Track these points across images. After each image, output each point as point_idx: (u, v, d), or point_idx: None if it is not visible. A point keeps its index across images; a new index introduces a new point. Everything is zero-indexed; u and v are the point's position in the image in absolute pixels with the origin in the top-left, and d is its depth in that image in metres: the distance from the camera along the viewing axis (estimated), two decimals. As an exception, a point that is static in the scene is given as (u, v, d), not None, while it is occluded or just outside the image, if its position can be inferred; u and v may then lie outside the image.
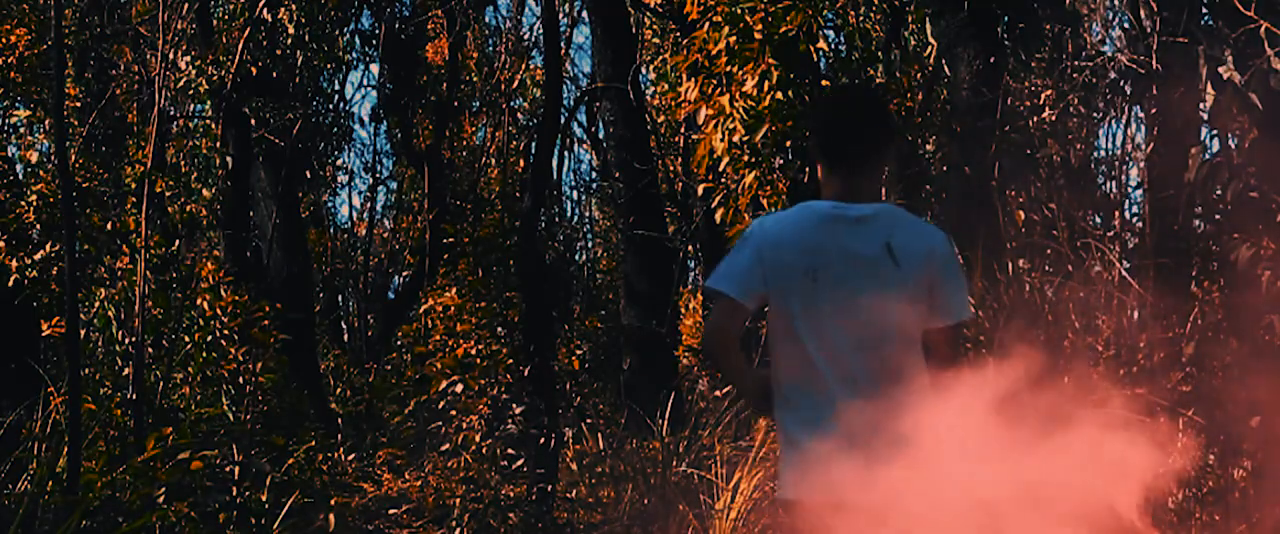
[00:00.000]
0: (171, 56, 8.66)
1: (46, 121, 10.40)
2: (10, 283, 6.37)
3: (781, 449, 2.92)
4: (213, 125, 9.35)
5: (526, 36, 15.57)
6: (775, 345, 2.92)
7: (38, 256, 6.59)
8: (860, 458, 2.66)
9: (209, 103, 9.38)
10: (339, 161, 16.55)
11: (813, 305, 2.84)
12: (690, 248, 12.20)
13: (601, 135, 14.75)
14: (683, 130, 11.97)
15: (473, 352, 6.76)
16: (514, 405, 6.71)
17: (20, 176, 8.66)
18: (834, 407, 2.77)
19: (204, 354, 6.47)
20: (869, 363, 2.82)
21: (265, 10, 8.94)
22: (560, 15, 13.33)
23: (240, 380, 6.53)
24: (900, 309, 2.82)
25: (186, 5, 9.34)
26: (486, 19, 15.31)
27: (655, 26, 13.78)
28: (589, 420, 8.11)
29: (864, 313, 2.79)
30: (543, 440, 6.70)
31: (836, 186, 2.94)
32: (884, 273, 2.83)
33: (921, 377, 2.85)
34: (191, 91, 9.18)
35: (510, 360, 6.89)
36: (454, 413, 6.59)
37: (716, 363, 3.02)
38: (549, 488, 6.73)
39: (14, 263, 6.44)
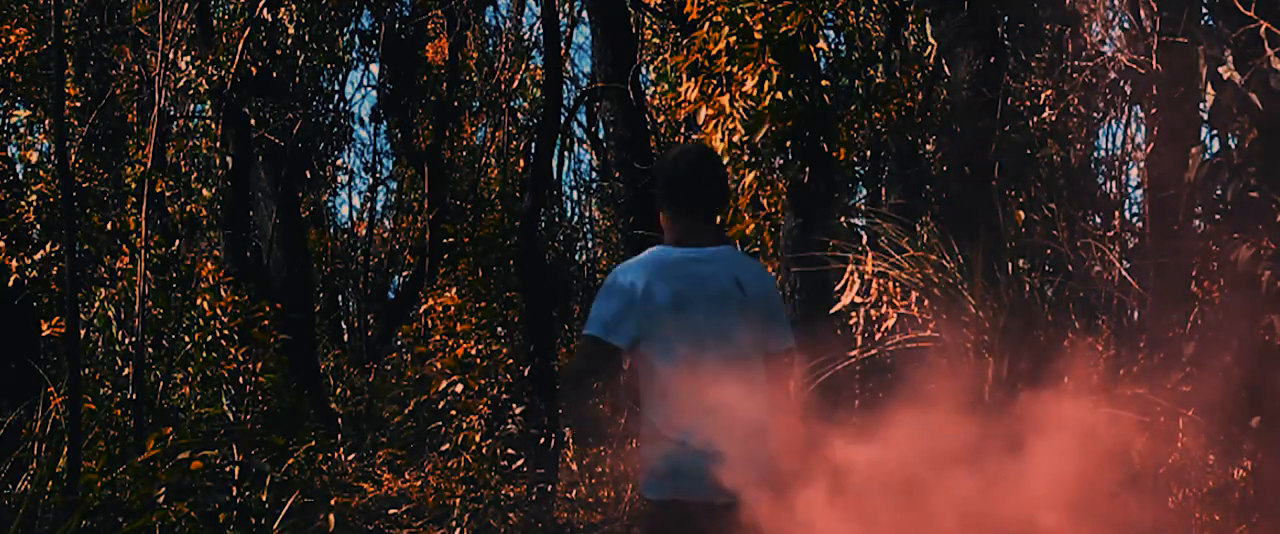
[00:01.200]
0: (171, 56, 8.66)
1: (46, 121, 10.40)
2: (10, 283, 6.37)
3: (651, 454, 3.27)
4: (213, 125, 9.35)
5: (526, 36, 15.57)
6: (648, 373, 3.27)
7: (38, 257, 6.59)
8: (729, 461, 3.09)
9: (209, 103, 9.38)
10: (339, 161, 16.55)
11: (682, 335, 3.22)
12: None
13: (601, 135, 14.75)
14: (683, 130, 11.96)
15: (473, 352, 6.77)
16: (514, 405, 6.71)
17: (20, 176, 8.66)
18: (704, 415, 3.12)
19: (204, 354, 6.47)
20: (733, 374, 3.17)
21: (265, 10, 8.94)
22: (560, 15, 13.33)
23: (240, 380, 6.53)
24: (753, 332, 3.29)
25: (186, 5, 9.34)
26: (486, 19, 15.31)
27: (655, 26, 13.78)
28: (589, 420, 8.09)
29: (726, 336, 3.23)
30: (543, 440, 6.70)
31: (679, 232, 3.36)
32: (736, 302, 3.28)
33: (761, 387, 3.28)
34: (191, 91, 9.18)
35: (510, 360, 6.89)
36: (454, 413, 6.59)
37: (574, 399, 3.36)
38: (549, 488, 6.73)
39: (14, 263, 6.44)
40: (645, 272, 3.28)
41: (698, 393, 3.13)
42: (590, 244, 17.91)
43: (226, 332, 6.51)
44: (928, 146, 8.62)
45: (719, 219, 3.48)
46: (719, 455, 3.10)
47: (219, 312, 6.50)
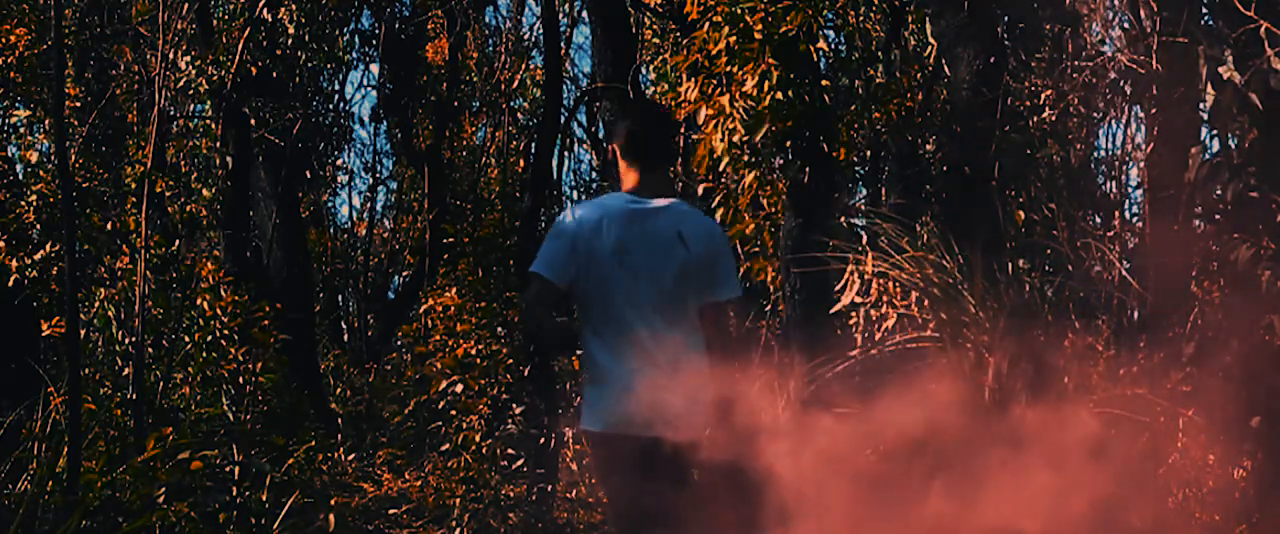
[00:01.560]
0: (171, 56, 8.66)
1: (46, 121, 10.40)
2: (10, 283, 6.36)
3: (592, 391, 3.51)
4: (213, 125, 9.34)
5: (526, 36, 15.57)
6: (587, 313, 3.54)
7: (38, 257, 6.59)
8: (662, 396, 3.36)
9: (209, 103, 9.38)
10: (339, 161, 16.55)
11: (621, 279, 3.48)
12: (690, 248, 12.18)
13: (601, 135, 14.76)
14: (683, 130, 11.96)
15: (473, 352, 6.76)
16: (514, 405, 6.71)
17: (20, 176, 8.66)
18: (643, 357, 3.42)
19: (204, 354, 6.47)
20: (667, 322, 3.47)
21: (265, 10, 8.94)
22: (560, 15, 13.33)
23: (240, 380, 6.53)
24: (692, 283, 3.51)
25: (186, 5, 9.34)
26: (486, 19, 15.31)
27: (655, 26, 13.78)
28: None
29: (662, 282, 3.48)
30: (543, 440, 6.70)
31: (634, 181, 3.63)
32: (678, 254, 3.50)
33: (698, 334, 3.52)
34: (191, 91, 9.17)
35: (510, 360, 6.89)
36: (454, 413, 6.59)
37: (538, 326, 3.58)
38: (549, 488, 6.73)
39: (14, 263, 6.44)
40: (593, 216, 3.54)
41: (632, 337, 3.44)
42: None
43: (226, 332, 6.50)
44: (928, 146, 8.62)
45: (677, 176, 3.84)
46: (651, 396, 3.35)
47: (219, 312, 6.49)
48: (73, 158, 10.05)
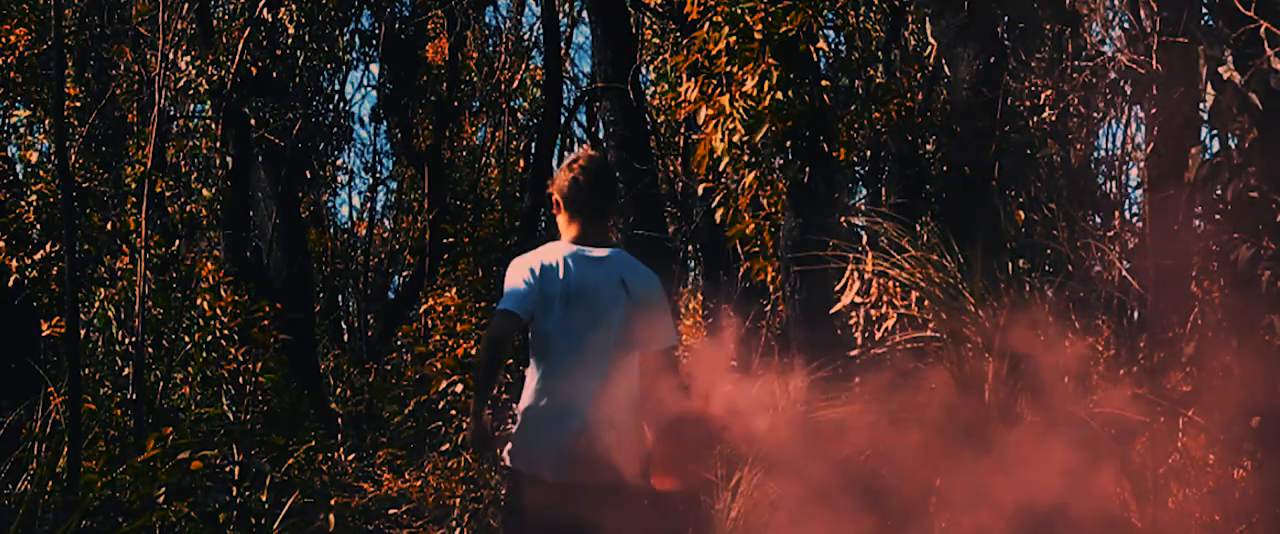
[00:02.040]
0: (171, 56, 8.66)
1: (46, 121, 10.40)
2: (10, 283, 6.36)
3: (530, 427, 3.67)
4: (213, 125, 9.34)
5: (526, 36, 15.58)
6: (537, 352, 3.70)
7: (38, 257, 6.59)
8: (602, 441, 3.54)
9: (209, 103, 9.38)
10: (339, 161, 16.55)
11: (568, 325, 3.63)
12: (690, 248, 12.20)
13: (601, 135, 14.74)
14: (683, 130, 11.97)
15: (473, 352, 6.76)
16: (514, 405, 6.71)
17: (20, 176, 8.66)
18: (587, 398, 3.58)
19: (204, 354, 6.47)
20: (611, 367, 3.62)
21: (265, 10, 8.94)
22: (560, 15, 13.33)
23: (240, 380, 6.53)
24: (634, 329, 3.66)
25: (186, 5, 9.34)
26: (486, 19, 15.31)
27: (655, 26, 13.78)
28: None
29: (606, 328, 3.62)
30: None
31: (577, 232, 3.79)
32: (622, 301, 3.67)
33: (636, 380, 3.69)
34: (191, 91, 9.18)
35: (510, 360, 6.88)
36: (454, 413, 6.59)
37: (490, 359, 3.70)
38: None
39: (14, 263, 6.44)
40: (545, 262, 3.70)
41: (575, 379, 3.59)
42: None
43: (226, 332, 6.50)
44: (928, 146, 8.62)
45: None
46: (588, 438, 3.54)
47: (219, 312, 6.49)
48: (73, 158, 10.05)
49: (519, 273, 3.67)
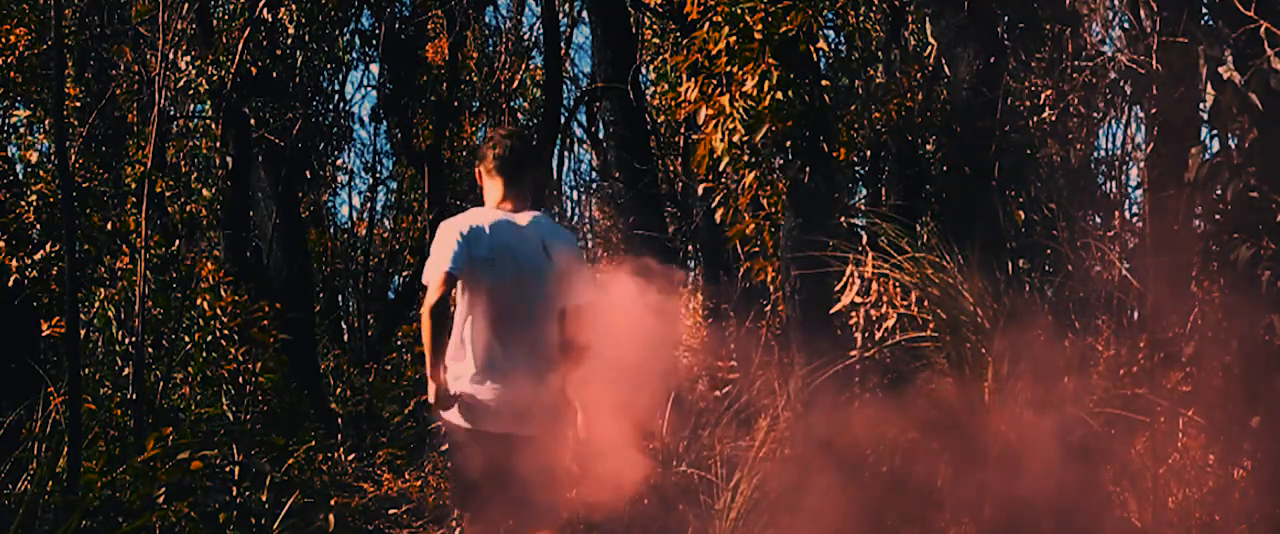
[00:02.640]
0: (171, 56, 8.66)
1: (46, 121, 10.39)
2: (10, 283, 6.36)
3: (455, 384, 3.96)
4: (213, 125, 9.34)
5: (526, 36, 15.57)
6: (464, 311, 4.01)
7: (38, 257, 6.58)
8: (524, 394, 3.86)
9: (209, 103, 9.37)
10: (339, 161, 16.54)
11: (494, 283, 3.95)
12: (690, 248, 12.19)
13: (601, 135, 14.76)
14: (683, 130, 11.96)
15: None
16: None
17: (20, 176, 8.65)
18: (508, 355, 3.91)
19: (204, 354, 6.47)
20: (531, 323, 3.95)
21: (265, 10, 8.94)
22: (560, 15, 13.33)
23: (240, 380, 6.53)
24: (551, 288, 3.98)
25: (186, 5, 9.33)
26: (486, 19, 15.30)
27: (655, 26, 13.77)
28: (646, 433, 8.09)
29: (529, 288, 3.95)
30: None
31: (501, 198, 4.15)
32: (540, 262, 4.00)
33: (556, 335, 3.98)
34: (191, 91, 9.17)
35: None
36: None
37: (435, 324, 3.93)
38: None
39: (14, 263, 6.44)
40: (472, 226, 4.01)
41: (499, 336, 3.91)
42: (590, 244, 17.92)
43: (226, 332, 6.50)
44: (928, 146, 8.61)
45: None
46: (507, 393, 3.87)
47: (219, 312, 6.49)
48: (73, 158, 10.05)
49: (448, 236, 3.97)
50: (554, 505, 3.99)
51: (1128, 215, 5.70)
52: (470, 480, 3.95)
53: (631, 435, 4.06)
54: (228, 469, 5.37)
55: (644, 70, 13.24)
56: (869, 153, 9.18)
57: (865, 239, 5.28)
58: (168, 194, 8.51)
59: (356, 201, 33.41)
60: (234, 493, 5.20)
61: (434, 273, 3.90)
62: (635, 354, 3.98)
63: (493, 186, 4.19)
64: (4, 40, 9.74)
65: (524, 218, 4.07)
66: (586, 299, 4.05)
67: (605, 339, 3.94)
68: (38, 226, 7.53)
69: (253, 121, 9.35)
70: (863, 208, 8.66)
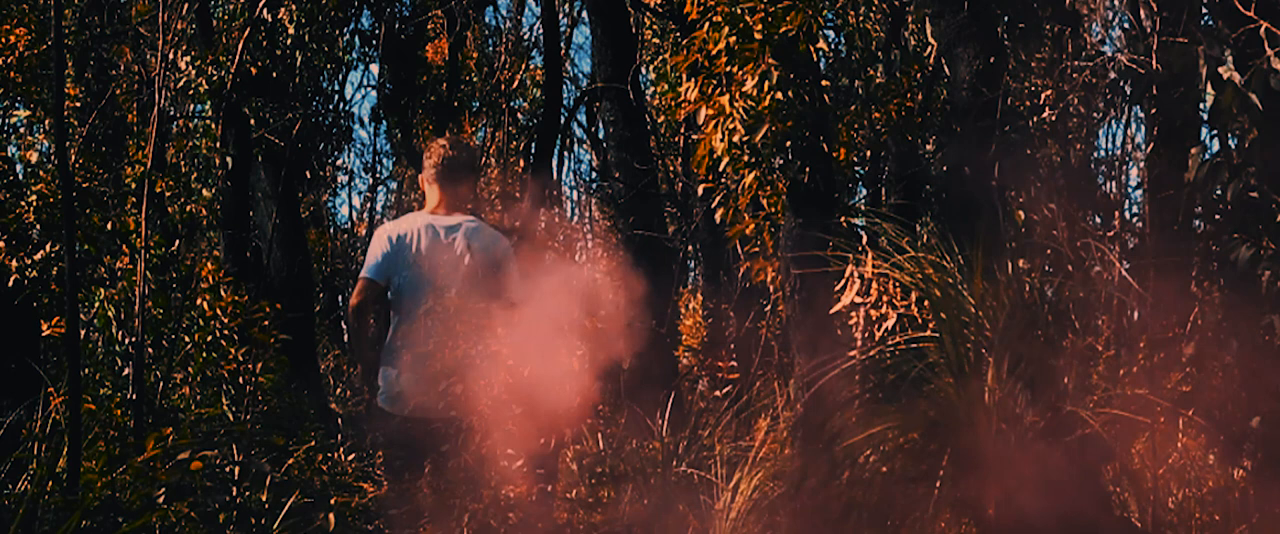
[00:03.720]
0: (171, 56, 8.66)
1: (46, 121, 10.39)
2: (10, 283, 6.36)
3: (388, 373, 4.49)
4: (213, 125, 9.33)
5: (526, 36, 15.57)
6: (394, 307, 4.49)
7: (38, 257, 6.58)
8: (444, 382, 4.21)
9: (209, 103, 9.37)
10: (339, 161, 16.54)
11: (419, 283, 4.35)
12: (690, 248, 12.19)
13: (601, 135, 14.76)
14: (683, 130, 11.96)
15: (472, 351, 6.74)
16: (514, 405, 6.69)
17: (20, 176, 8.65)
18: (433, 346, 4.24)
19: (204, 354, 6.46)
20: (455, 319, 4.23)
21: (265, 10, 8.94)
22: (560, 15, 13.33)
23: (240, 380, 6.52)
24: (478, 286, 4.35)
25: (186, 5, 9.34)
26: (486, 19, 15.30)
27: (655, 26, 13.77)
28: (589, 420, 8.11)
29: (450, 286, 4.30)
30: (542, 440, 6.69)
31: (436, 203, 4.57)
32: (462, 261, 4.38)
33: (478, 330, 4.25)
34: (191, 91, 9.16)
35: (510, 360, 6.87)
36: (454, 413, 6.57)
37: (358, 322, 4.57)
38: (549, 488, 6.72)
39: (14, 263, 6.43)
40: (401, 230, 4.44)
41: (424, 330, 4.27)
42: (590, 244, 17.91)
43: (226, 332, 6.49)
44: (928, 146, 8.62)
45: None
46: (430, 382, 4.23)
47: (219, 312, 6.49)
48: (73, 158, 10.04)
49: (379, 243, 4.46)
50: (473, 482, 4.47)
51: (1128, 215, 5.70)
52: (396, 463, 4.49)
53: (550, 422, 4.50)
54: (228, 469, 5.36)
55: (644, 70, 13.25)
56: (869, 153, 9.18)
57: (865, 239, 5.28)
58: (168, 194, 8.51)
59: (356, 201, 33.43)
60: (234, 493, 5.20)
61: (360, 279, 4.44)
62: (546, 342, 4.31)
63: (431, 193, 4.62)
64: (4, 40, 9.73)
65: (454, 220, 4.49)
66: (512, 297, 4.45)
67: (527, 326, 4.27)
68: (38, 226, 7.52)
69: (253, 121, 9.35)
70: (863, 208, 8.66)
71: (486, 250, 4.46)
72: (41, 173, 8.03)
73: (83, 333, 6.56)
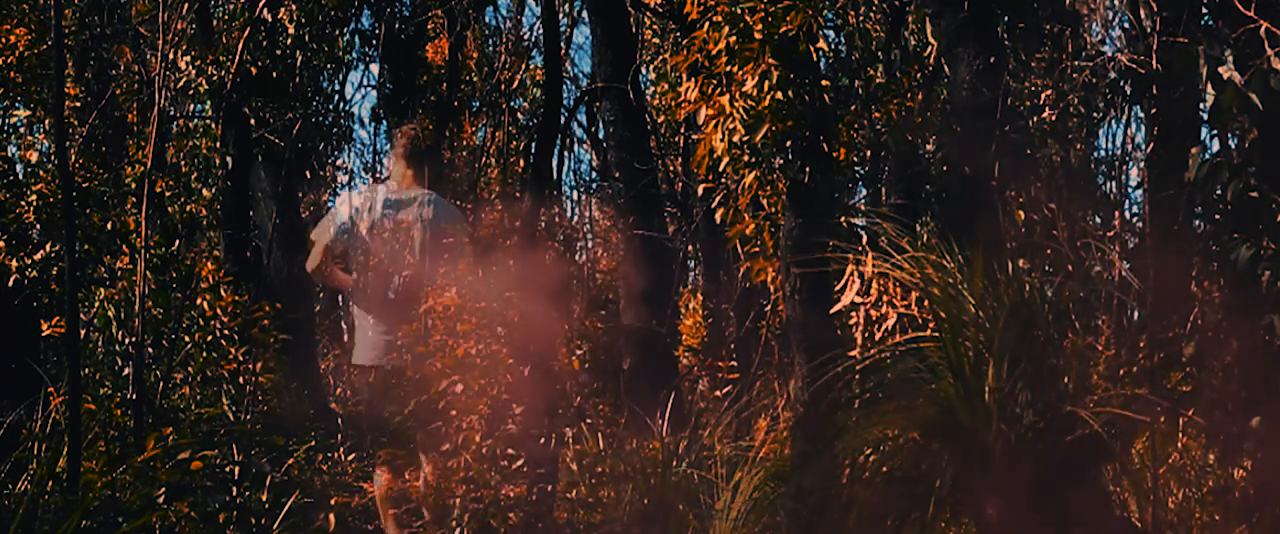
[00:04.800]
0: (171, 56, 8.66)
1: (46, 121, 10.38)
2: (10, 283, 6.36)
3: (357, 335, 5.41)
4: (213, 125, 9.34)
5: (526, 36, 15.56)
6: (355, 276, 5.18)
7: (38, 257, 6.58)
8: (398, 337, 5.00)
9: (209, 103, 9.37)
10: (339, 161, 16.53)
11: (376, 252, 5.03)
12: (690, 248, 12.19)
13: (601, 135, 14.75)
14: (683, 130, 11.96)
15: (473, 352, 6.75)
16: (514, 405, 6.70)
17: (20, 176, 8.65)
18: (391, 306, 5.09)
19: (204, 354, 6.46)
20: (407, 288, 5.03)
21: (265, 10, 8.94)
22: (560, 15, 13.32)
23: (240, 380, 6.52)
24: (430, 255, 5.01)
25: (186, 5, 9.33)
26: (486, 19, 15.29)
27: (655, 26, 13.77)
28: (589, 420, 8.10)
29: (407, 253, 5.03)
30: (543, 440, 6.69)
31: (401, 175, 5.26)
32: (417, 231, 5.05)
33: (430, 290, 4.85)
34: (191, 91, 9.17)
35: (510, 360, 6.87)
36: (454, 413, 6.58)
37: (323, 277, 5.36)
38: (549, 488, 6.72)
39: (14, 263, 6.44)
40: (360, 203, 5.10)
41: (382, 293, 5.04)
42: (590, 244, 17.91)
43: (226, 332, 6.50)
44: (928, 146, 8.62)
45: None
46: (391, 336, 5.10)
47: (219, 312, 6.49)
48: (73, 158, 10.04)
49: (336, 211, 5.10)
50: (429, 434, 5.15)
51: (1128, 215, 5.70)
52: (374, 415, 5.24)
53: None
54: (228, 469, 5.37)
55: (644, 70, 13.24)
56: (869, 153, 9.18)
57: (865, 239, 5.28)
58: (168, 194, 8.50)
59: (356, 201, 33.33)
60: (234, 493, 5.20)
61: (317, 243, 5.16)
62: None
63: (398, 168, 5.26)
64: (4, 40, 9.73)
65: (411, 194, 5.14)
66: (461, 260, 5.01)
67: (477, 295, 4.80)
68: (38, 227, 7.53)
69: (253, 121, 9.35)
70: (863, 208, 8.66)
71: (443, 222, 5.10)
72: (41, 173, 8.03)
73: (83, 333, 6.57)
